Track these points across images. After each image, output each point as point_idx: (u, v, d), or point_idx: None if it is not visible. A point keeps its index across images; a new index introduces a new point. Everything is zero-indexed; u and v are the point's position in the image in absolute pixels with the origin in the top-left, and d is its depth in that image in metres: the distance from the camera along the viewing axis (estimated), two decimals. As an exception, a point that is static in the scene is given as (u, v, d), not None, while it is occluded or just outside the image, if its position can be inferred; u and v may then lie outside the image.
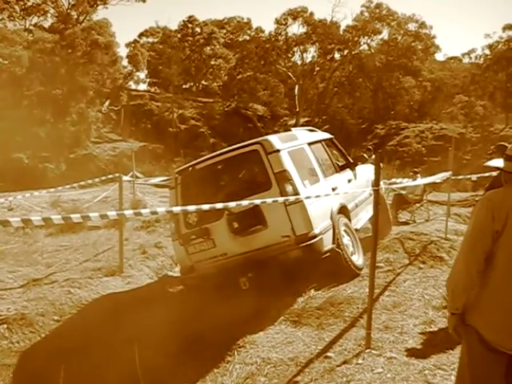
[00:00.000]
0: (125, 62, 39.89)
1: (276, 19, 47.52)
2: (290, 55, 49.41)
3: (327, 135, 9.01)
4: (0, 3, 35.58)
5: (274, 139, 6.81)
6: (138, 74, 44.70)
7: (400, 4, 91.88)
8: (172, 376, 5.24)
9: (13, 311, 6.89)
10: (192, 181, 7.15)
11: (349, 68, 48.70)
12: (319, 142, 8.32)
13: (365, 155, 10.99)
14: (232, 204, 4.96)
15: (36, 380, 5.50)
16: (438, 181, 11.21)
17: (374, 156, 12.74)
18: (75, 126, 32.68)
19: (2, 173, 24.32)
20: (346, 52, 47.95)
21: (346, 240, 7.17)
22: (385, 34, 48.15)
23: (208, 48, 46.50)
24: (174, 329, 6.21)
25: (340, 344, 5.00)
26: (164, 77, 44.57)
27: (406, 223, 11.50)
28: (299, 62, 49.46)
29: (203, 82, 50.30)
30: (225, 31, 51.47)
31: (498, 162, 2.99)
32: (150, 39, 47.87)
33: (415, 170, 14.03)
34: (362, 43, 48.30)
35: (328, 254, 6.74)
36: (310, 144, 7.71)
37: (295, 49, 48.76)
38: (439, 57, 52.82)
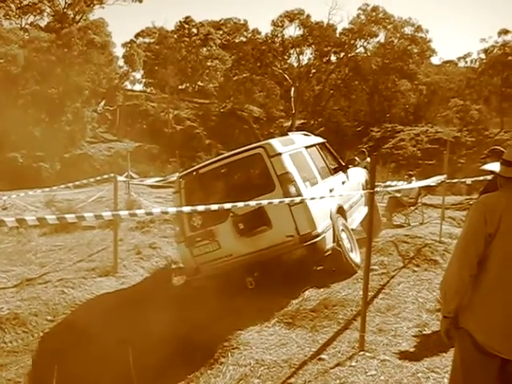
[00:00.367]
0: (121, 62, 39.90)
1: (273, 21, 47.66)
2: (286, 57, 49.47)
3: (320, 139, 9.29)
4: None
5: (276, 143, 7.04)
6: (134, 74, 44.68)
7: (396, 7, 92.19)
8: (165, 377, 5.23)
9: (6, 311, 6.87)
10: (196, 185, 7.32)
11: (345, 71, 48.76)
12: (314, 145, 8.55)
13: (356, 158, 11.12)
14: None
15: (29, 380, 5.48)
16: (433, 184, 11.24)
17: (368, 158, 12.78)
18: (70, 126, 32.60)
19: (-4, 172, 24.25)
20: (342, 55, 48.02)
21: (344, 239, 7.40)
22: (381, 37, 48.37)
23: (204, 49, 46.51)
24: (168, 330, 6.21)
25: (334, 346, 5.00)
26: (160, 77, 44.56)
27: (400, 226, 11.52)
28: (295, 64, 49.58)
29: (199, 83, 50.30)
30: (221, 32, 51.50)
31: (494, 166, 3.01)
32: (147, 39, 47.88)
33: (410, 172, 14.05)
34: (358, 46, 48.49)
35: (329, 252, 6.99)
36: (306, 147, 7.95)
37: (291, 51, 48.82)
38: (435, 60, 52.98)
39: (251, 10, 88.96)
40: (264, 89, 48.11)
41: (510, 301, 2.71)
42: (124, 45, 43.89)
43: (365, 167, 12.41)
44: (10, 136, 29.61)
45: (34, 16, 38.84)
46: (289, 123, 45.11)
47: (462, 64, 50.72)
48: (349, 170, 9.24)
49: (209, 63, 47.17)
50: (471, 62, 48.36)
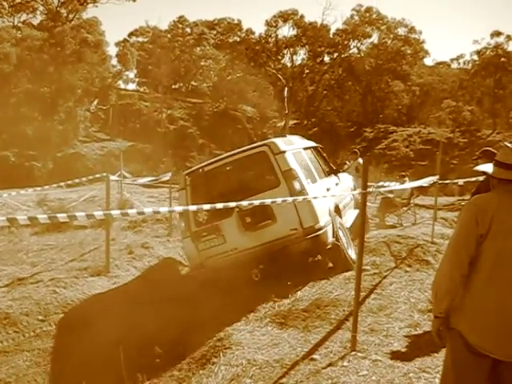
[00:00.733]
0: (114, 61, 39.77)
1: (266, 21, 47.68)
2: (279, 57, 49.48)
3: (314, 143, 9.75)
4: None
5: (279, 142, 7.45)
6: (127, 73, 44.55)
7: (390, 8, 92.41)
8: (157, 376, 5.23)
9: (-3, 310, 6.83)
10: (201, 181, 7.58)
11: (338, 71, 48.83)
12: (310, 148, 9.00)
13: (347, 162, 11.38)
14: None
15: (19, 380, 5.45)
16: (426, 185, 11.27)
17: (359, 159, 12.83)
18: (63, 125, 32.46)
19: (-12, 171, 24.14)
20: (335, 55, 48.09)
21: (341, 235, 7.76)
22: (374, 38, 48.48)
23: (198, 49, 46.43)
24: (160, 329, 6.20)
25: (326, 346, 5.01)
26: (153, 77, 44.47)
27: (393, 226, 11.55)
28: (289, 65, 49.58)
29: (193, 83, 50.21)
30: (215, 32, 51.44)
31: (487, 167, 3.02)
32: (140, 39, 47.78)
33: (402, 173, 14.09)
34: (351, 47, 48.56)
35: (330, 246, 7.33)
36: (304, 149, 8.41)
37: (285, 51, 48.85)
38: (428, 62, 53.17)
39: (245, 10, 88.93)
40: (257, 89, 48.12)
41: (502, 301, 2.72)
42: (117, 44, 43.86)
43: (356, 168, 12.48)
44: (1, 135, 29.49)
45: (27, 14, 38.61)
46: (282, 123, 45.12)
47: (454, 65, 50.96)
48: (339, 174, 9.78)
49: (202, 63, 47.12)
50: (464, 63, 48.57)
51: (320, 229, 7.08)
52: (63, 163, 30.10)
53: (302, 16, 47.16)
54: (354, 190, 10.28)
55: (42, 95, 31.39)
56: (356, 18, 47.48)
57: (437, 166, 10.51)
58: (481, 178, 7.35)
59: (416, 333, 5.21)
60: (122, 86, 46.75)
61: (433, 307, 3.00)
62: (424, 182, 10.79)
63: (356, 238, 7.90)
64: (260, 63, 47.40)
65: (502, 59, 42.06)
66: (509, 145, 2.92)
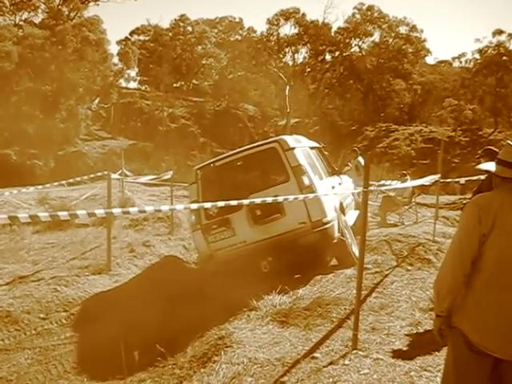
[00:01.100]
0: (115, 60, 39.84)
1: (268, 19, 47.61)
2: (281, 56, 49.44)
3: (317, 144, 9.99)
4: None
5: (289, 139, 7.79)
6: (128, 71, 44.68)
7: (391, 7, 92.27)
8: (158, 375, 5.22)
9: (-2, 308, 6.83)
10: (212, 176, 7.81)
11: (340, 70, 48.76)
12: (314, 148, 9.22)
13: (349, 164, 11.52)
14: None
15: (21, 378, 5.45)
16: (427, 183, 11.26)
17: (359, 157, 12.84)
18: (64, 123, 32.49)
19: (-11, 169, 24.16)
20: (337, 54, 48.05)
21: (346, 232, 8.02)
22: (376, 37, 48.38)
23: (199, 47, 46.46)
24: (162, 327, 6.20)
25: (327, 345, 5.00)
26: (155, 75, 44.50)
27: (394, 225, 11.54)
28: (290, 63, 49.54)
29: (194, 81, 50.20)
30: (216, 31, 51.50)
31: (489, 166, 3.00)
32: (142, 37, 47.75)
33: (403, 172, 14.07)
34: (353, 45, 48.52)
35: (336, 240, 7.58)
36: (310, 148, 8.69)
37: (287, 49, 48.80)
38: (429, 60, 53.02)
39: (247, 9, 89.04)
40: (259, 87, 48.13)
41: (504, 300, 2.71)
42: (119, 42, 43.95)
43: (356, 166, 12.49)
44: (3, 133, 29.50)
45: (29, 12, 38.64)
46: (283, 122, 45.08)
47: (456, 64, 50.84)
48: (341, 175, 10.00)
49: (204, 61, 47.15)
50: (466, 62, 48.45)
51: (328, 222, 7.33)
52: (64, 161, 30.14)
53: (303, 14, 47.17)
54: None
55: (44, 93, 31.42)
56: (357, 16, 47.41)
57: (438, 165, 10.49)
58: (482, 177, 7.35)
59: (417, 331, 5.20)
60: (124, 85, 46.89)
61: (434, 306, 2.99)
62: (425, 180, 10.78)
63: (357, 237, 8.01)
64: (261, 62, 47.34)
65: (504, 58, 41.94)
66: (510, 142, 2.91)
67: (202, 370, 4.84)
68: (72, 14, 37.79)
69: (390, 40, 48.04)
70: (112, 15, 77.43)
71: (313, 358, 4.74)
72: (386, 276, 7.04)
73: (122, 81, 45.21)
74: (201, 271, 8.35)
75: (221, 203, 5.05)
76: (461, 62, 49.66)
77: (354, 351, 4.76)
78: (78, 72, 33.18)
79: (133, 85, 49.54)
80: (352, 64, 47.43)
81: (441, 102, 45.40)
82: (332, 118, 46.16)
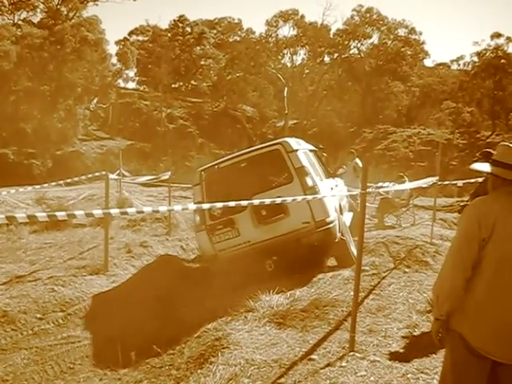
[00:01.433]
0: (114, 60, 39.81)
1: (267, 21, 47.63)
2: (280, 57, 49.48)
3: (314, 147, 10.12)
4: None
5: (291, 141, 7.95)
6: (127, 72, 44.66)
7: (390, 9, 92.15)
8: (154, 375, 5.22)
9: (-5, 308, 6.81)
10: (216, 177, 8.00)
11: (338, 71, 48.78)
12: (313, 151, 9.35)
13: (344, 166, 11.65)
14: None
15: (17, 378, 5.44)
16: (425, 186, 11.28)
17: (356, 159, 12.85)
18: (62, 123, 32.46)
19: (-14, 168, 24.12)
20: (335, 55, 48.06)
21: (345, 232, 8.24)
22: (375, 39, 48.41)
23: (198, 48, 46.44)
24: (159, 328, 6.19)
25: (324, 346, 5.00)
26: (153, 75, 44.44)
27: (391, 227, 11.56)
28: (289, 65, 49.60)
29: (192, 82, 50.16)
30: (215, 31, 51.43)
31: (484, 166, 2.98)
32: (140, 37, 47.73)
33: (401, 174, 14.09)
34: (351, 47, 48.49)
35: (337, 240, 7.80)
36: (309, 151, 8.85)
37: (285, 51, 48.85)
38: (428, 63, 53.07)
39: (245, 10, 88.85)
40: (257, 88, 48.10)
41: (504, 304, 2.70)
42: (117, 42, 43.91)
43: (354, 168, 12.51)
44: (1, 132, 29.47)
45: (27, 12, 38.52)
46: (282, 123, 45.07)
47: (454, 67, 50.93)
48: (336, 178, 10.21)
49: (202, 62, 47.14)
50: (464, 64, 48.47)
51: (330, 222, 7.53)
52: (62, 161, 30.09)
53: (302, 16, 47.21)
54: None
55: (42, 93, 31.38)
56: (356, 18, 47.44)
57: (436, 167, 10.50)
58: (480, 180, 7.35)
59: (414, 334, 5.20)
60: (122, 85, 46.81)
61: (433, 309, 2.97)
62: (423, 182, 10.80)
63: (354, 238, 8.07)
64: (260, 63, 47.31)
65: (502, 61, 41.99)
66: (509, 144, 2.89)
67: (199, 371, 4.84)
68: (71, 14, 37.71)
69: (389, 42, 48.08)
70: (111, 15, 77.27)
71: (310, 359, 4.74)
72: (384, 278, 7.05)
73: (120, 81, 45.24)
74: (200, 271, 8.39)
75: (219, 204, 5.07)
76: (459, 65, 49.78)
77: (351, 353, 4.76)
78: (77, 72, 33.14)
79: (131, 85, 49.53)
80: (351, 66, 47.44)
81: (439, 104, 45.42)
82: (330, 120, 46.10)
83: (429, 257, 7.79)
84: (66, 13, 37.89)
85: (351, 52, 48.66)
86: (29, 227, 11.40)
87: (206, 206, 5.15)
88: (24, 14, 38.68)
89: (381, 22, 47.37)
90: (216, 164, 8.13)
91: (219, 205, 5.06)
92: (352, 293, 5.26)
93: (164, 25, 48.12)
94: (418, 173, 23.86)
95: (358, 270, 5.07)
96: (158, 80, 43.71)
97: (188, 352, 5.41)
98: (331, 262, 8.39)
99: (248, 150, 8.18)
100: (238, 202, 5.12)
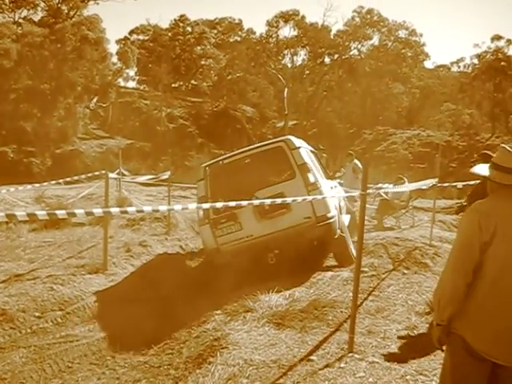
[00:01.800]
0: (114, 59, 39.75)
1: (267, 21, 47.62)
2: (280, 58, 49.44)
3: (314, 149, 10.26)
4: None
5: (294, 139, 8.18)
6: (127, 71, 44.57)
7: (391, 11, 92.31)
8: (153, 375, 5.21)
9: (-7, 306, 6.80)
10: (220, 173, 8.17)
11: (338, 72, 48.78)
12: (312, 152, 9.49)
13: (342, 169, 11.72)
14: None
15: (15, 377, 5.43)
16: (424, 187, 11.29)
17: (355, 160, 12.86)
18: (62, 122, 32.43)
19: (-14, 166, 24.11)
20: (336, 56, 48.04)
21: (344, 230, 8.38)
22: (375, 40, 48.45)
23: (198, 48, 46.41)
24: (157, 327, 6.19)
25: (323, 347, 4.99)
26: (153, 75, 44.42)
27: (391, 228, 11.56)
28: (289, 65, 49.55)
29: (193, 82, 50.13)
30: (216, 31, 51.40)
31: (483, 170, 2.96)
32: (141, 37, 47.63)
33: (400, 176, 14.09)
34: (352, 48, 48.49)
35: (337, 236, 8.00)
36: (310, 151, 9.05)
37: (286, 51, 48.80)
38: (428, 64, 53.07)
39: (246, 10, 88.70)
40: (257, 89, 48.08)
41: (506, 307, 2.69)
42: (118, 41, 43.89)
43: (353, 169, 12.52)
44: (0, 131, 29.44)
45: (28, 10, 38.46)
46: (281, 124, 45.07)
47: (454, 69, 51.02)
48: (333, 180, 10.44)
49: (203, 62, 47.11)
50: (464, 66, 48.64)
51: (331, 218, 7.74)
52: (62, 160, 30.08)
53: (303, 17, 47.17)
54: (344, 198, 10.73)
55: (42, 92, 31.34)
56: (357, 19, 47.47)
57: (436, 169, 10.51)
58: (479, 181, 7.35)
59: (413, 335, 5.21)
60: (122, 84, 46.70)
61: (435, 315, 2.95)
62: (423, 184, 10.81)
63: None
64: (260, 63, 47.34)
65: (502, 63, 42.02)
66: (508, 147, 2.88)
67: (198, 371, 4.83)
68: (71, 13, 37.68)
69: (389, 44, 48.14)
70: (111, 14, 77.26)
71: (309, 360, 4.74)
72: (383, 279, 7.06)
73: (120, 80, 45.11)
74: (199, 270, 8.42)
75: (219, 204, 5.08)
76: (459, 67, 49.91)
77: (350, 354, 4.76)
78: (77, 71, 33.10)
79: (131, 84, 49.46)
80: (351, 67, 47.42)
81: (439, 106, 45.47)
82: (330, 121, 46.13)
83: (428, 258, 7.79)
84: (66, 11, 37.86)
85: (351, 53, 48.68)
86: (28, 225, 11.38)
87: (205, 205, 5.17)
88: (25, 13, 38.64)
89: (381, 24, 47.41)
90: (220, 160, 8.32)
91: (219, 205, 5.07)
92: (351, 294, 5.26)
93: (165, 24, 48.16)
94: (417, 174, 23.86)
95: (357, 270, 5.07)
96: (158, 79, 43.69)
97: (187, 352, 5.41)
98: (331, 262, 8.40)
99: (252, 146, 8.40)
100: (238, 202, 5.13)
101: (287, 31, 49.67)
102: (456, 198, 19.33)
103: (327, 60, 49.11)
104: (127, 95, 44.28)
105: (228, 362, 4.80)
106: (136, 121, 41.89)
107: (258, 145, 8.37)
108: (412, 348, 4.87)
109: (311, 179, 7.75)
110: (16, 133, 29.49)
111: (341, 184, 11.26)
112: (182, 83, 50.22)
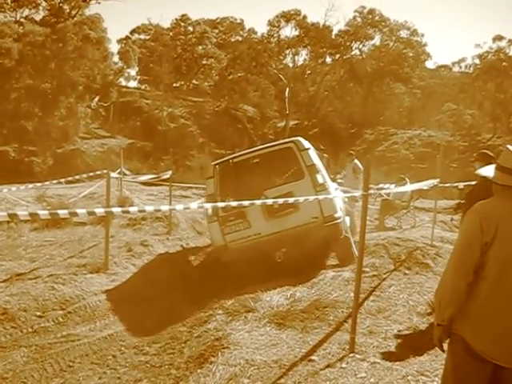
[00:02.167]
0: (116, 58, 39.68)
1: (269, 21, 47.47)
2: (281, 57, 49.33)
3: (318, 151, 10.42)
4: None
5: (303, 140, 8.35)
6: (128, 70, 44.42)
7: (393, 11, 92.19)
8: (154, 374, 5.22)
9: (-5, 306, 6.80)
10: (229, 171, 8.30)
11: (340, 72, 48.75)
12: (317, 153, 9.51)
13: (344, 171, 11.75)
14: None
15: (16, 376, 5.43)
16: (426, 188, 11.28)
17: (355, 160, 12.86)
18: (64, 121, 32.42)
19: (-13, 166, 24.12)
20: (337, 56, 47.97)
21: (348, 231, 8.47)
22: (376, 40, 48.29)
23: (200, 47, 46.38)
24: (159, 326, 6.20)
25: (324, 348, 5.00)
26: (155, 74, 44.41)
27: (392, 229, 11.55)
28: (291, 65, 49.43)
29: (194, 82, 50.12)
30: (217, 31, 51.36)
31: (489, 171, 2.96)
32: (142, 36, 47.60)
33: (401, 176, 14.08)
34: (353, 48, 48.35)
35: (342, 236, 8.12)
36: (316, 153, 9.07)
37: (287, 51, 48.69)
38: (430, 65, 52.94)
39: (248, 10, 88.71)
40: (259, 89, 48.02)
41: (507, 308, 2.69)
42: (119, 41, 43.82)
43: (353, 169, 12.52)
44: (2, 130, 29.45)
45: (29, 9, 38.40)
46: (283, 124, 45.06)
47: (456, 69, 50.91)
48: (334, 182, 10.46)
49: (204, 62, 47.07)
50: (466, 67, 48.56)
51: (338, 218, 7.94)
52: (63, 159, 30.08)
53: (304, 16, 47.04)
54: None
55: (43, 91, 31.34)
56: (358, 19, 47.34)
57: (437, 169, 10.49)
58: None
59: (415, 336, 5.20)
60: (124, 84, 46.63)
61: (435, 315, 2.95)
62: (425, 184, 10.79)
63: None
64: (262, 63, 47.22)
65: (504, 64, 42.01)
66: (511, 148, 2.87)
67: (199, 371, 4.84)
68: (73, 12, 37.64)
69: (391, 44, 48.03)
70: (113, 14, 77.25)
71: (310, 360, 4.74)
72: (384, 280, 7.05)
73: (121, 79, 44.97)
74: (200, 269, 8.45)
75: (221, 204, 5.09)
76: (461, 67, 49.82)
77: (351, 354, 4.76)
78: (78, 70, 33.08)
79: (133, 84, 49.39)
80: (352, 67, 47.39)
81: (440, 106, 45.39)
82: (331, 121, 46.06)
83: (429, 259, 7.78)
84: (68, 11, 37.81)
85: (353, 53, 48.57)
86: (29, 225, 11.38)
87: (207, 205, 5.18)
88: (26, 12, 38.57)
89: (383, 24, 47.31)
90: (230, 159, 8.48)
91: (221, 204, 5.08)
92: (352, 294, 5.26)
93: (166, 24, 48.23)
94: (418, 175, 23.82)
95: (358, 271, 5.07)
96: (160, 79, 43.69)
97: (188, 351, 5.41)
98: (331, 261, 8.40)
99: (261, 146, 8.64)
100: (239, 202, 5.15)
101: (289, 31, 49.65)
102: (457, 198, 19.31)
103: (329, 60, 49.09)
104: (128, 95, 44.28)
105: (229, 362, 4.80)
106: (137, 120, 41.88)
107: (268, 145, 8.57)
108: (413, 348, 4.87)
109: (320, 180, 7.92)
110: (17, 132, 29.49)
111: (341, 184, 11.25)
112: (183, 83, 50.20)
